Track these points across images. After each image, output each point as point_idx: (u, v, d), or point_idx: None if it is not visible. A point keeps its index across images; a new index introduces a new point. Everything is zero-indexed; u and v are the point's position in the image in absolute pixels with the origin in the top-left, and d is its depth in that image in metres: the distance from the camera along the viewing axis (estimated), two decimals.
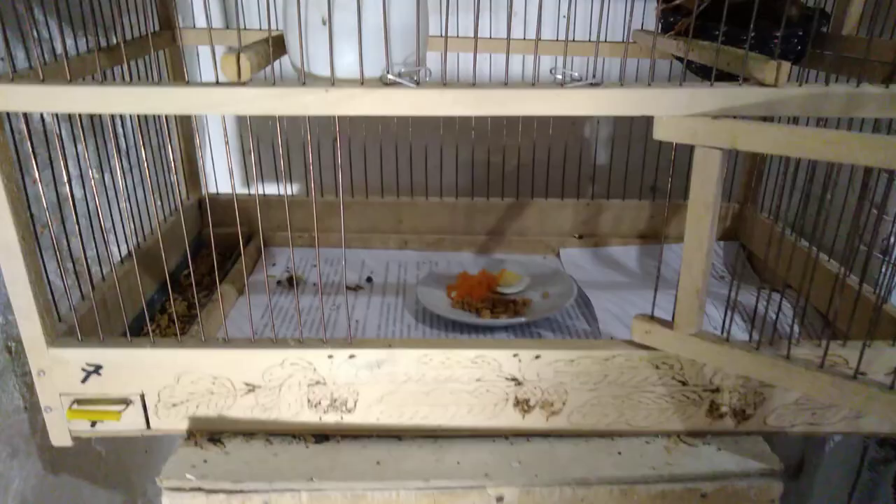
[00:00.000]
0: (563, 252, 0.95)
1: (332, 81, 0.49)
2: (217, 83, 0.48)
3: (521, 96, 0.49)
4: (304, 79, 0.50)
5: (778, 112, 0.50)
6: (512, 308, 0.76)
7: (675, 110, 0.49)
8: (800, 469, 0.90)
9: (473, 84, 0.49)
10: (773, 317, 0.63)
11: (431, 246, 0.94)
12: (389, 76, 0.49)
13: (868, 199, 0.77)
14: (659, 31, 0.82)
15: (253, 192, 1.04)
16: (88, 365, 0.56)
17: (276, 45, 0.57)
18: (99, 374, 0.57)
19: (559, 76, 0.49)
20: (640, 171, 0.96)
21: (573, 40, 0.87)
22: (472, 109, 0.49)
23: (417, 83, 0.49)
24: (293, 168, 1.03)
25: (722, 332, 0.58)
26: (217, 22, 0.97)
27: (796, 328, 0.75)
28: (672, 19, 0.78)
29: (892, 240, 0.75)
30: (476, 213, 0.94)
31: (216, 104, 0.48)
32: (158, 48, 0.81)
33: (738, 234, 0.95)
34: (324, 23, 0.48)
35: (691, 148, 0.50)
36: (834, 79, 0.70)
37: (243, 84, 0.48)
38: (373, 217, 0.95)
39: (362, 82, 0.49)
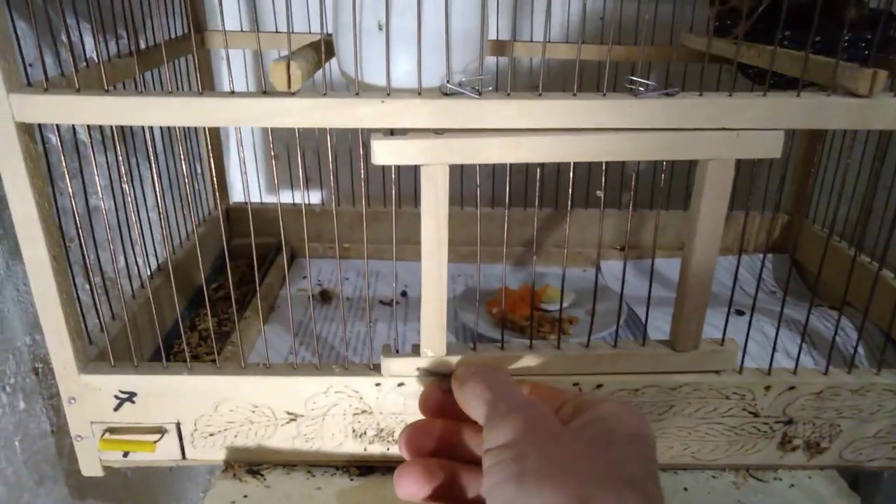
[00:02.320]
0: (604, 265, 0.91)
1: (388, 91, 0.45)
2: (265, 93, 0.45)
3: (592, 107, 0.45)
4: (358, 89, 0.46)
5: (871, 125, 0.46)
6: (557, 326, 0.72)
7: (760, 123, 0.45)
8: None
9: (539, 94, 0.45)
10: (832, 336, 0.59)
11: (466, 258, 0.90)
12: (449, 86, 0.45)
13: None
14: (712, 33, 0.78)
15: (280, 200, 1.01)
16: (122, 392, 0.53)
17: (326, 49, 0.53)
18: (133, 401, 0.53)
19: (631, 85, 0.45)
20: (684, 178, 0.92)
21: (617, 44, 0.83)
22: (538, 122, 0.45)
23: (479, 93, 0.45)
24: (323, 176, 1.00)
25: (774, 348, 0.55)
26: (243, 25, 0.94)
27: (862, 351, 0.71)
28: (729, 22, 0.74)
29: None
30: (513, 224, 0.90)
31: (264, 116, 0.45)
32: (188, 52, 0.78)
33: (787, 246, 0.91)
34: (380, 28, 0.45)
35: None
36: None
37: (293, 94, 0.45)
38: (405, 227, 0.91)
39: (420, 92, 0.45)
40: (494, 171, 0.88)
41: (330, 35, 0.54)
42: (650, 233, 0.91)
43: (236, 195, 0.97)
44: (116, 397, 0.53)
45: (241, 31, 0.88)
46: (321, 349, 0.72)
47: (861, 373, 0.54)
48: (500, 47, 0.83)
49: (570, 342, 0.54)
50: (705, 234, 0.49)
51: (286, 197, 1.01)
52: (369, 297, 0.83)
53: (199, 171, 0.87)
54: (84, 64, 0.57)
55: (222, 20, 0.49)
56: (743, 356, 0.54)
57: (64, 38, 0.57)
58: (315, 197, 1.05)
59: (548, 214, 0.92)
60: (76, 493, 0.65)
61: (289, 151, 1.00)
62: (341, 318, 0.77)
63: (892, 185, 0.69)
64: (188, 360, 0.53)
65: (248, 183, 0.93)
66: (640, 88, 0.45)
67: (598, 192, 0.49)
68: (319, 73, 0.55)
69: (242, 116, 0.45)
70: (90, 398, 0.53)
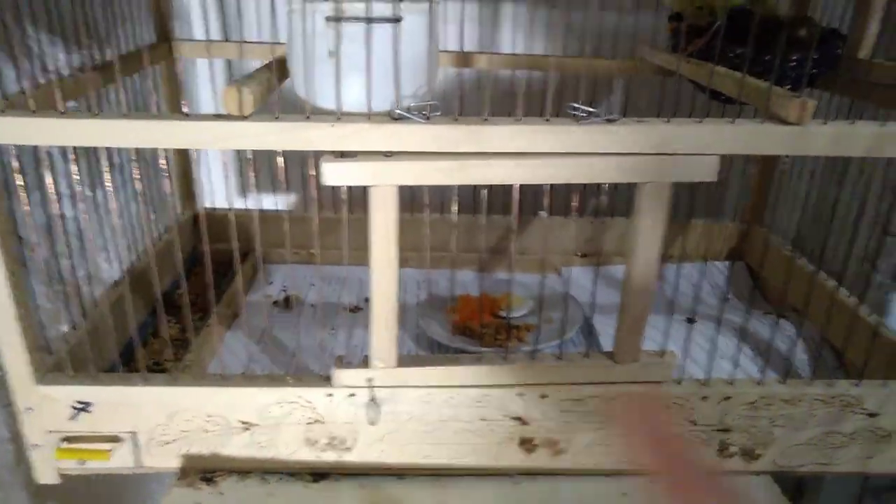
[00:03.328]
0: (565, 271, 0.93)
1: (339, 115, 0.46)
2: (217, 116, 0.46)
3: (535, 133, 0.47)
4: (309, 113, 0.47)
5: (803, 151, 0.48)
6: (515, 334, 0.74)
7: (697, 148, 0.47)
8: (800, 496, 0.89)
9: (485, 119, 0.47)
10: (782, 346, 0.61)
11: (431, 264, 0.92)
12: (398, 111, 0.46)
13: (879, 223, 0.76)
14: (669, 49, 0.80)
15: (249, 206, 1.02)
16: (78, 402, 0.54)
17: (280, 69, 0.54)
18: (88, 411, 0.54)
19: (573, 111, 0.47)
20: None
21: (576, 56, 0.85)
22: (484, 146, 0.47)
23: (427, 118, 0.47)
24: (291, 182, 1.01)
25: (712, 358, 0.57)
26: (215, 33, 0.94)
27: (804, 356, 0.74)
28: (684, 38, 0.76)
29: None
30: (477, 231, 0.92)
31: (218, 139, 0.46)
32: (155, 62, 0.78)
33: (742, 254, 0.94)
34: (330, 55, 0.46)
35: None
36: (848, 104, 0.69)
37: (245, 118, 0.46)
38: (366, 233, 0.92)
39: (369, 117, 0.47)
40: None
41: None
42: (612, 240, 0.93)
43: (209, 200, 0.98)
44: (73, 407, 0.54)
45: (210, 40, 0.88)
46: (281, 356, 0.73)
47: (794, 383, 0.56)
48: (465, 59, 0.84)
49: (520, 351, 0.56)
50: (644, 253, 0.51)
51: (257, 203, 1.01)
52: (322, 303, 0.84)
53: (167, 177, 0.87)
54: (48, 76, 0.58)
55: (191, 28, 0.50)
56: (708, 363, 0.56)
57: (25, 50, 0.57)
58: (286, 203, 1.06)
59: (509, 221, 0.93)
60: (36, 498, 0.65)
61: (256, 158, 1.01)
62: (303, 326, 0.78)
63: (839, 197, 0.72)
64: (143, 370, 0.54)
65: (213, 185, 0.94)
66: (583, 115, 0.47)
67: (541, 213, 0.50)
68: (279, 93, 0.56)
69: (198, 140, 0.46)
70: (47, 408, 0.54)
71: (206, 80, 0.93)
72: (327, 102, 0.48)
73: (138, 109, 0.76)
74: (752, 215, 0.92)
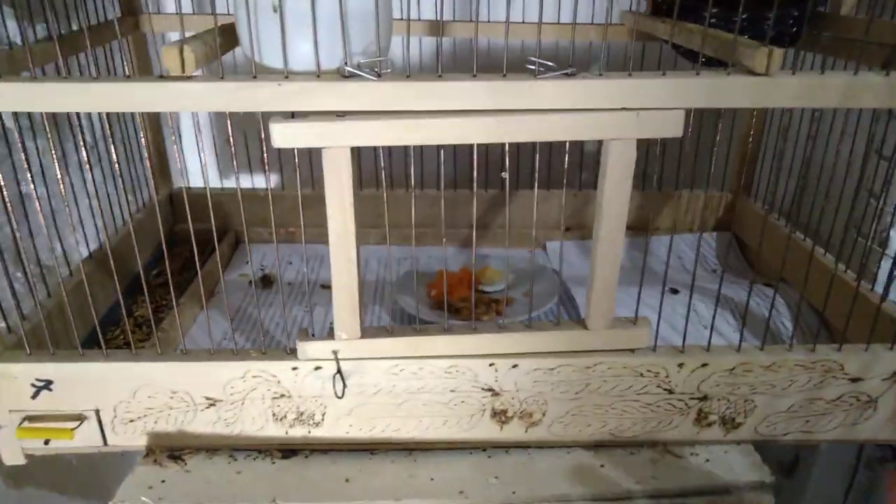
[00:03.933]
0: (549, 245, 0.91)
1: (286, 74, 0.45)
2: (160, 77, 0.44)
3: (491, 89, 0.45)
4: (256, 72, 0.45)
5: (770, 103, 0.46)
6: (494, 307, 0.73)
7: (661, 102, 0.45)
8: (794, 467, 0.87)
9: (439, 75, 0.45)
10: (766, 314, 0.60)
11: (415, 241, 0.90)
12: (348, 68, 0.45)
13: (866, 189, 0.74)
14: (648, 12, 0.78)
15: (228, 184, 1.00)
16: (38, 380, 0.53)
17: (232, 34, 0.52)
18: (50, 389, 0.53)
19: (531, 66, 0.45)
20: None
21: (558, 22, 0.83)
22: (438, 103, 0.45)
23: (378, 75, 0.45)
24: (270, 159, 0.99)
25: (712, 331, 0.55)
26: (188, 7, 0.92)
27: (790, 326, 0.72)
28: (663, 2, 0.73)
29: (890, 232, 0.71)
30: (459, 206, 0.90)
31: (160, 101, 0.44)
32: (121, 35, 0.77)
33: (730, 224, 0.92)
34: (274, 10, 0.44)
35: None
36: (831, 62, 0.67)
37: (189, 78, 0.44)
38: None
39: (318, 75, 0.45)
40: (456, 152, 0.88)
41: None
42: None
43: (192, 179, 0.96)
44: (33, 385, 0.53)
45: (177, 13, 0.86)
46: (258, 335, 0.72)
47: (773, 349, 0.55)
48: (442, 29, 0.82)
49: (487, 323, 0.55)
50: (612, 215, 0.49)
51: (234, 181, 1.00)
52: (300, 280, 0.83)
53: (142, 155, 0.86)
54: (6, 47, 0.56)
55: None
56: (684, 337, 0.55)
57: None
58: (263, 181, 1.05)
59: (493, 195, 0.92)
60: (11, 481, 0.64)
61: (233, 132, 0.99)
62: (279, 304, 0.77)
63: (824, 163, 0.70)
64: (103, 347, 0.53)
65: (185, 165, 0.92)
66: (541, 69, 0.45)
67: (502, 174, 0.49)
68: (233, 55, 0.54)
69: (139, 102, 0.45)
70: (7, 386, 0.53)
71: None
72: (275, 62, 0.46)
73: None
74: (738, 185, 0.89)
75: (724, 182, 0.93)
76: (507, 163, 0.49)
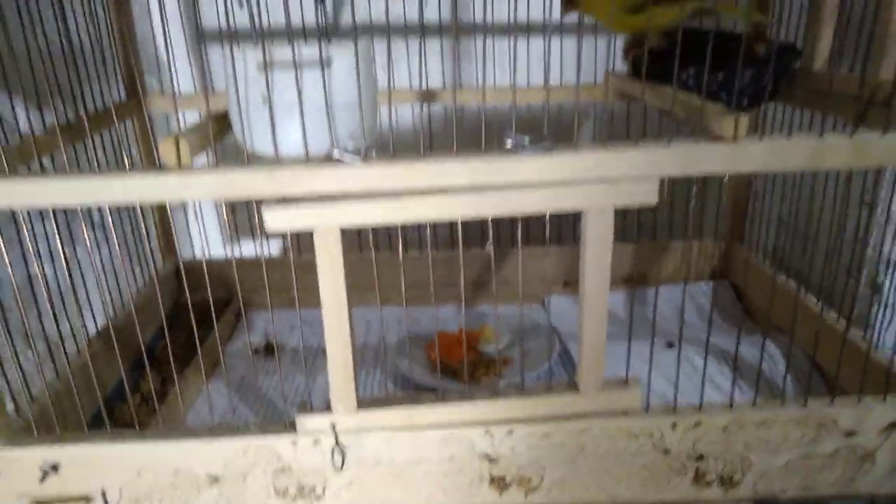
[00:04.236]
0: (548, 301, 0.93)
1: (277, 161, 0.47)
2: (157, 169, 0.47)
3: (471, 167, 0.47)
4: (248, 159, 0.48)
5: (739, 168, 0.47)
6: (492, 368, 0.74)
7: (634, 172, 0.47)
8: None
9: (421, 156, 0.47)
10: (761, 366, 0.60)
11: (412, 301, 0.92)
12: (335, 152, 0.47)
13: (857, 237, 0.75)
14: (629, 72, 0.80)
15: (230, 254, 1.03)
16: (45, 463, 0.54)
17: (226, 121, 0.55)
18: (57, 472, 0.54)
19: (509, 142, 0.47)
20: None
21: (546, 84, 0.86)
22: (423, 182, 0.47)
23: (364, 159, 0.47)
24: None
25: (703, 388, 0.56)
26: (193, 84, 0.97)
27: (788, 377, 0.72)
28: (636, 63, 0.76)
29: (884, 277, 0.72)
30: (457, 266, 0.92)
31: (158, 192, 0.47)
32: (125, 118, 0.81)
33: (727, 272, 0.93)
34: (264, 101, 0.47)
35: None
36: (809, 115, 0.69)
37: (185, 170, 0.47)
38: (351, 274, 0.92)
39: (307, 161, 0.47)
40: None
41: None
42: None
43: (191, 250, 0.99)
44: (41, 468, 0.54)
45: (174, 95, 0.90)
46: (261, 405, 0.73)
47: (765, 405, 0.55)
48: (430, 95, 0.86)
49: (501, 386, 0.56)
50: (595, 282, 0.50)
51: (242, 250, 1.03)
52: (304, 347, 0.84)
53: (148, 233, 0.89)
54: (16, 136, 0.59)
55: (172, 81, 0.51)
56: (676, 392, 0.55)
57: None
58: (268, 248, 1.07)
59: (490, 254, 0.93)
60: None
61: (235, 203, 1.02)
62: (283, 372, 0.78)
63: (811, 210, 0.71)
64: (108, 426, 0.55)
65: (191, 236, 0.95)
66: (520, 143, 0.47)
67: (487, 245, 0.50)
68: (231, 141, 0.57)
69: (138, 194, 0.47)
70: (15, 470, 0.54)
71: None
72: (266, 148, 0.49)
73: (116, 164, 0.78)
74: (731, 233, 0.91)
75: (716, 230, 0.94)
76: (491, 234, 0.51)
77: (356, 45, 0.46)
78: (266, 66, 0.45)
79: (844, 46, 0.67)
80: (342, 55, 0.47)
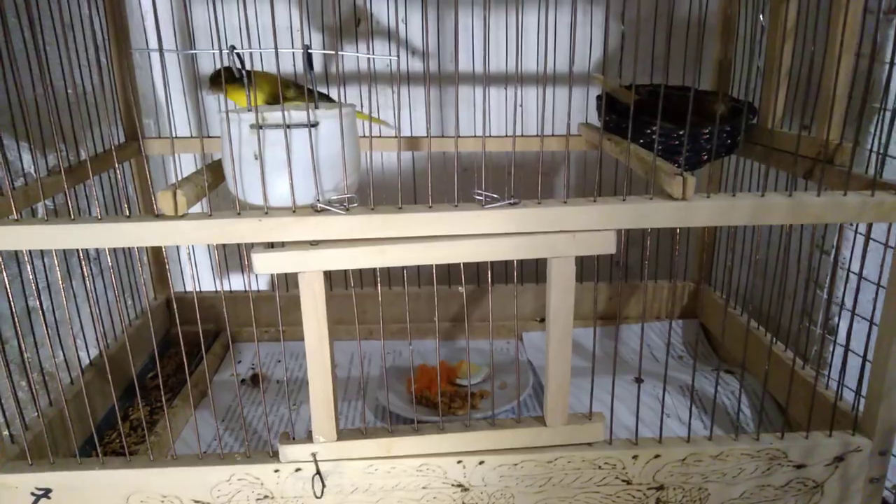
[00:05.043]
0: (525, 336, 0.96)
1: (266, 210, 0.51)
2: (156, 216, 0.51)
3: (444, 218, 0.51)
4: (239, 208, 0.52)
5: (689, 224, 0.52)
6: (470, 401, 0.77)
7: (592, 225, 0.52)
8: None
9: (400, 208, 0.52)
10: (724, 401, 0.64)
11: (395, 335, 0.96)
12: (320, 204, 0.51)
13: (812, 280, 0.79)
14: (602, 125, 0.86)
15: (219, 287, 1.06)
16: (38, 489, 0.57)
17: (219, 171, 0.60)
18: (49, 497, 0.57)
19: (478, 196, 0.52)
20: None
21: (522, 135, 0.91)
22: (400, 232, 0.52)
23: (347, 209, 0.51)
24: None
25: (662, 422, 0.59)
26: (176, 129, 1.01)
27: (747, 412, 0.76)
28: (609, 117, 0.81)
29: (837, 320, 0.76)
30: (438, 302, 0.96)
31: (156, 237, 0.51)
32: (125, 160, 0.85)
33: (696, 312, 0.97)
34: (256, 158, 0.51)
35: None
36: (765, 170, 0.74)
37: (181, 217, 0.51)
38: (336, 309, 0.96)
39: (294, 210, 0.52)
40: None
41: None
42: None
43: (186, 282, 1.03)
44: (33, 494, 0.57)
45: (172, 138, 0.95)
46: (246, 435, 0.76)
47: (720, 439, 0.59)
48: (415, 143, 0.91)
49: (474, 418, 0.59)
50: (559, 324, 0.54)
51: (232, 284, 1.06)
52: (288, 378, 0.87)
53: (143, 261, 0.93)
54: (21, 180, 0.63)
55: (171, 127, 0.55)
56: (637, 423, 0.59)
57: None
58: (256, 282, 1.11)
59: (471, 290, 0.97)
60: None
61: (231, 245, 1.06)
62: (268, 403, 0.81)
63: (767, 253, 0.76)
64: (99, 454, 0.58)
65: (182, 270, 0.99)
66: (488, 199, 0.52)
67: (459, 288, 0.55)
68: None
69: (137, 239, 0.51)
70: (7, 496, 0.57)
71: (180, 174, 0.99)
72: (257, 199, 0.53)
73: (115, 206, 0.82)
74: (699, 275, 0.95)
75: (686, 271, 0.99)
76: (463, 277, 0.55)
77: (341, 110, 0.51)
78: (259, 127, 0.50)
79: (795, 106, 0.73)
80: (329, 116, 0.51)
